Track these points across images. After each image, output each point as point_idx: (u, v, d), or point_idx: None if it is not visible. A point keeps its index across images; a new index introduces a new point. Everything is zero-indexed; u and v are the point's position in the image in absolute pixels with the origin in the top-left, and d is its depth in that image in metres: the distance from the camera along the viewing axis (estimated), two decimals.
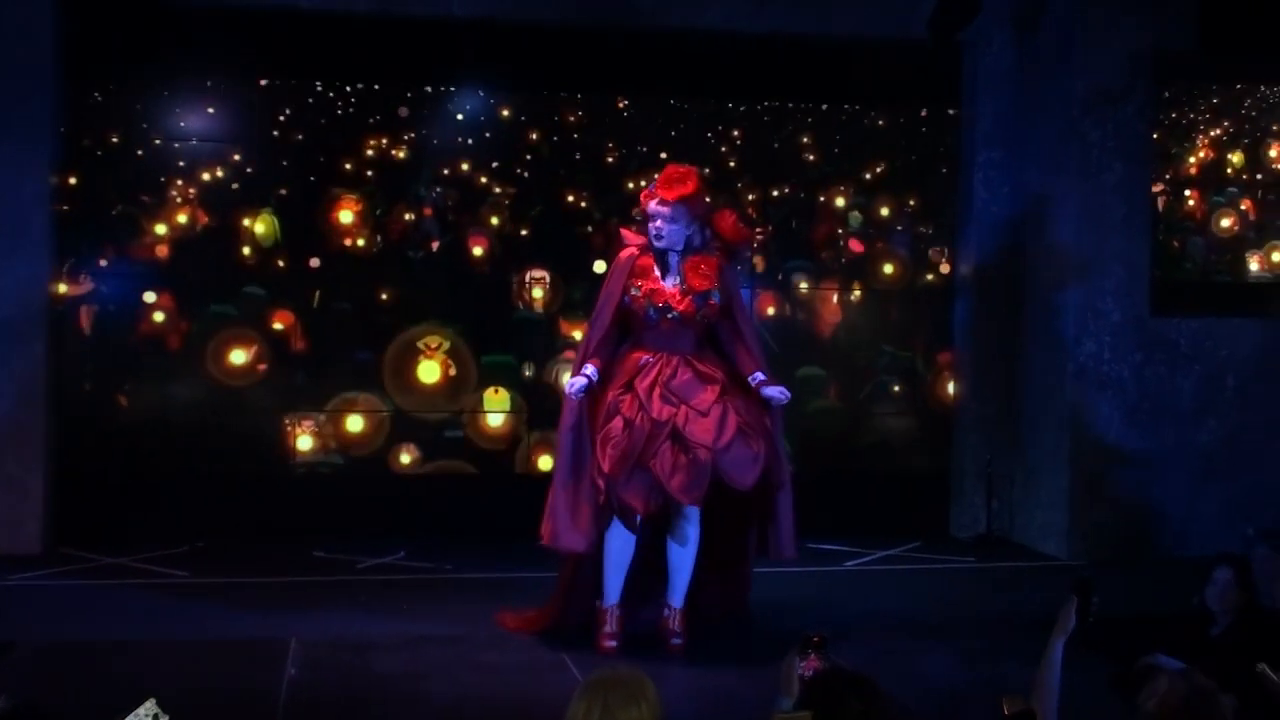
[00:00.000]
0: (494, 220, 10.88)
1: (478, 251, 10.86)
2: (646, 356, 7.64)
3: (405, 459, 10.77)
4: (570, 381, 7.64)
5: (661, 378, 7.54)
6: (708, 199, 7.84)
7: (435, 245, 10.84)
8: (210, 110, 10.60)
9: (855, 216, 11.36)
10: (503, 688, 6.91)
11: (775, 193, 11.27)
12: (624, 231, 8.15)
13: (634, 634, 7.66)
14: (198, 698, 6.21)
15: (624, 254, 7.84)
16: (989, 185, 11.16)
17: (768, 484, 7.54)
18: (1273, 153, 11.64)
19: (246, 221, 10.56)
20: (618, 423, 7.45)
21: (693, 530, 7.59)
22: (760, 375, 7.70)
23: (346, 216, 10.66)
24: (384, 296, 10.79)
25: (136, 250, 10.46)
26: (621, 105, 11.09)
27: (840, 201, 11.35)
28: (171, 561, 9.69)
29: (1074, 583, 4.82)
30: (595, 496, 7.44)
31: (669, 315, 7.63)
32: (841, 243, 11.38)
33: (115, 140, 10.44)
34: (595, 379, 7.60)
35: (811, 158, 11.31)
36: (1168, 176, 11.43)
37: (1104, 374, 10.57)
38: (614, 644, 7.52)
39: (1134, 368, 10.62)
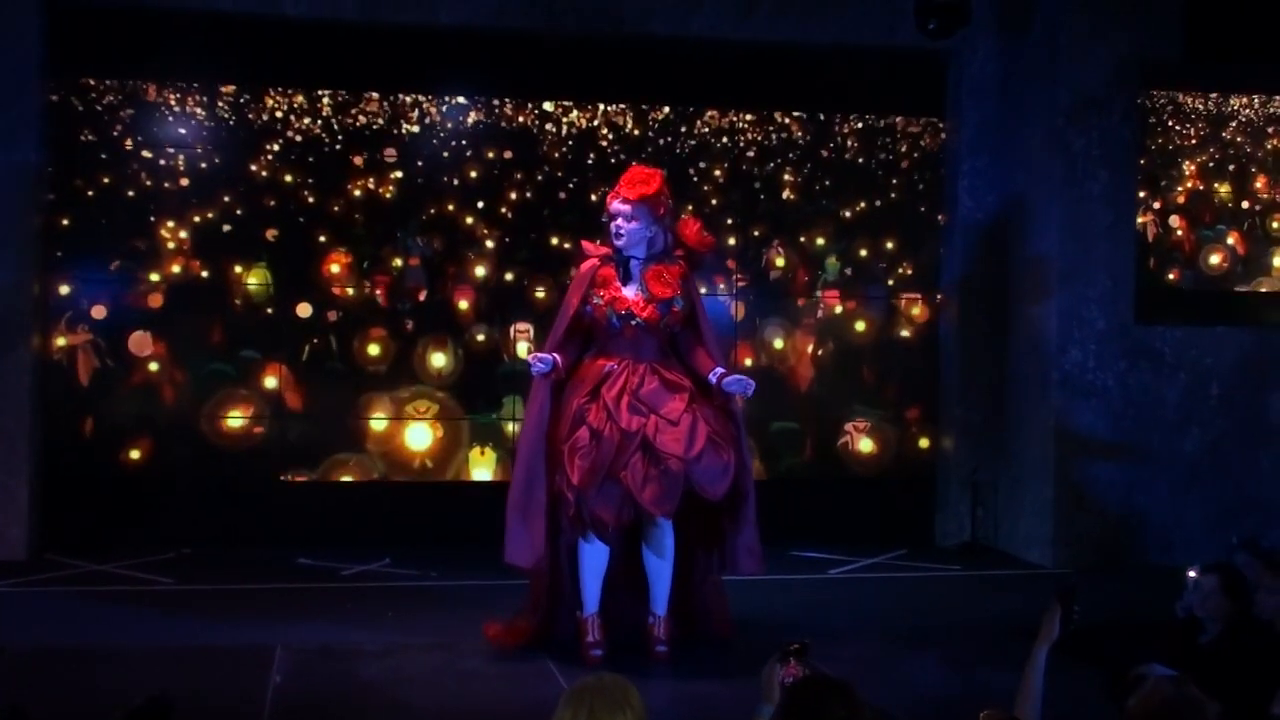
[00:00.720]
0: (479, 271, 10.87)
1: (463, 305, 10.87)
2: (611, 364, 7.60)
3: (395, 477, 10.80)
4: (534, 356, 7.55)
5: (629, 386, 7.49)
6: (670, 202, 7.79)
7: (422, 297, 10.84)
8: (195, 116, 10.59)
9: (833, 263, 11.36)
10: (487, 695, 6.91)
11: (758, 201, 11.27)
12: (585, 244, 8.09)
13: (618, 642, 7.63)
14: (183, 705, 6.18)
15: (585, 265, 7.83)
16: (973, 193, 11.18)
17: (735, 494, 7.52)
18: (1259, 184, 11.68)
19: (238, 269, 10.57)
20: (584, 433, 7.39)
21: (668, 540, 7.56)
22: (720, 369, 7.65)
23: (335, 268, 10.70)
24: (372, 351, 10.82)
25: (122, 257, 10.44)
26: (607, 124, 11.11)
27: (824, 207, 11.36)
28: (156, 569, 9.67)
29: (1057, 590, 4.84)
30: (564, 509, 7.40)
31: (632, 323, 7.60)
32: (823, 249, 11.38)
33: (100, 146, 10.42)
34: (559, 364, 7.52)
35: (795, 166, 11.32)
36: (1157, 206, 11.46)
37: (1088, 382, 10.60)
38: (599, 653, 7.50)
39: (1118, 376, 10.65)
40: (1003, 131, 11.12)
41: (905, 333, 11.51)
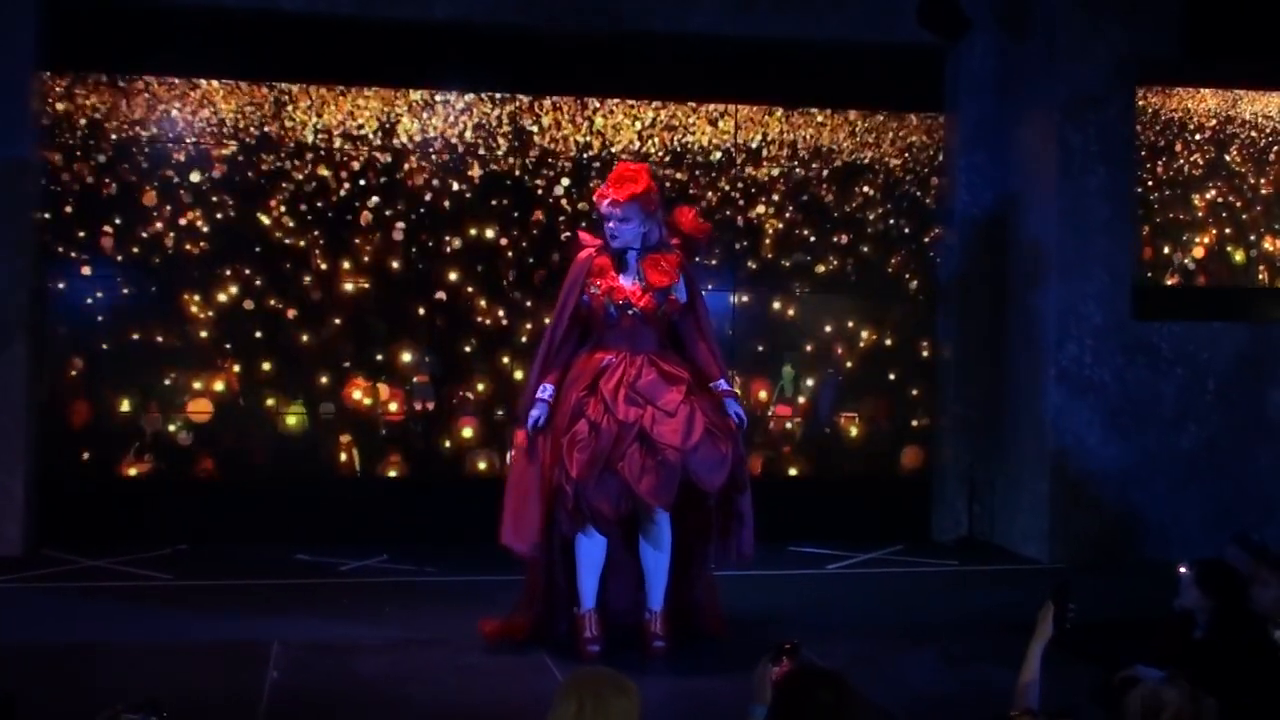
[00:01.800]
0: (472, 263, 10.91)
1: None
2: (609, 356, 7.62)
3: (392, 473, 10.80)
4: (528, 415, 7.62)
5: (626, 378, 7.51)
6: (658, 195, 7.80)
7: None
8: (193, 110, 10.58)
9: (788, 371, 11.35)
10: (485, 690, 6.91)
11: (757, 196, 11.27)
12: (581, 234, 8.15)
13: (613, 638, 7.65)
14: (180, 700, 6.18)
15: (581, 255, 7.83)
16: (971, 189, 11.18)
17: (733, 486, 7.52)
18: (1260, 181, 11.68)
19: (235, 265, 10.56)
20: (583, 426, 7.41)
21: (664, 533, 7.57)
22: (723, 384, 7.76)
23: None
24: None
25: (119, 253, 10.43)
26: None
27: (821, 204, 11.36)
28: (153, 564, 9.67)
29: (1052, 588, 4.83)
30: (563, 502, 7.41)
31: (629, 313, 7.62)
32: (822, 246, 11.37)
33: (96, 141, 10.40)
34: (551, 399, 7.60)
35: (794, 161, 11.31)
36: (1157, 221, 11.45)
37: (1085, 377, 10.60)
38: (597, 649, 7.50)
39: (1115, 371, 10.65)
40: (1000, 127, 11.12)
41: (902, 328, 11.49)
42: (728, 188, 11.22)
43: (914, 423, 11.49)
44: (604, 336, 7.72)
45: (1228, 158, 11.59)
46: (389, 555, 10.07)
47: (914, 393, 11.48)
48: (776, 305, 11.31)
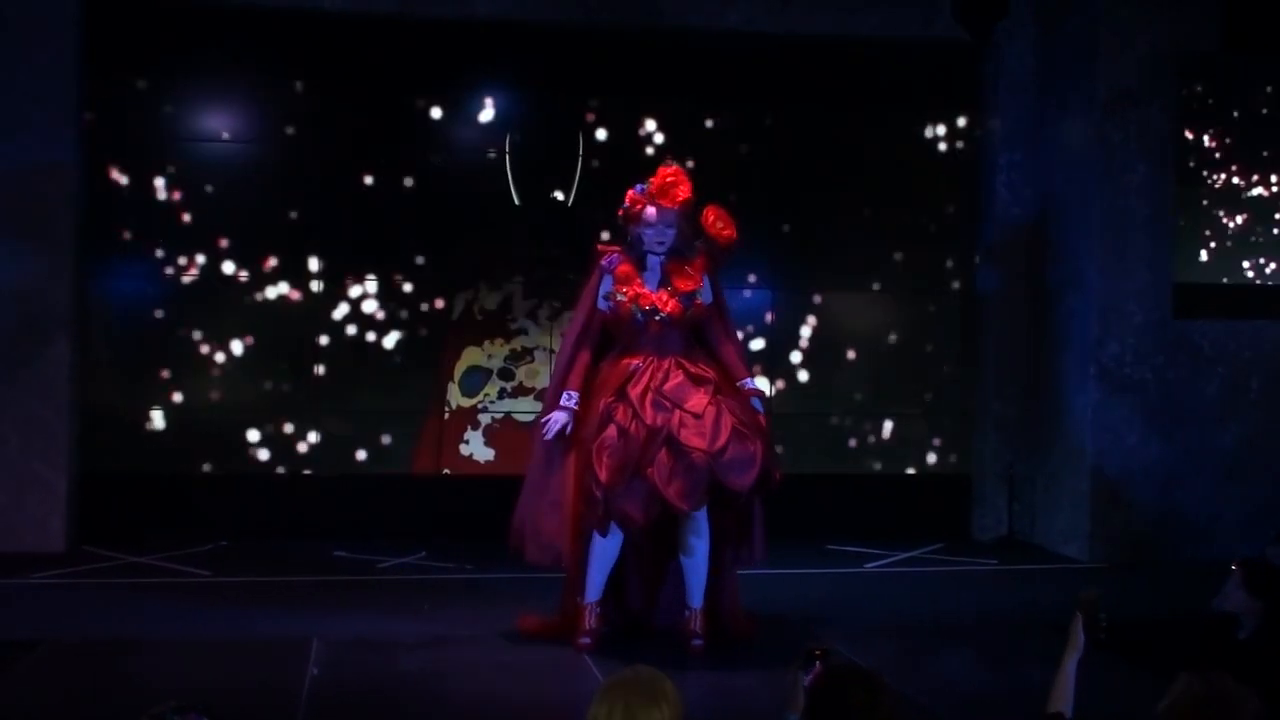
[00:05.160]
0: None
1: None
2: (636, 362, 7.60)
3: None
4: (547, 419, 7.62)
5: (653, 383, 7.49)
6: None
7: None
8: (231, 109, 10.62)
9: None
10: (524, 688, 6.92)
11: (794, 193, 11.24)
12: (600, 247, 8.12)
13: (655, 634, 7.70)
14: (220, 697, 6.22)
15: (602, 262, 7.81)
16: (1011, 187, 11.14)
17: (763, 484, 7.49)
18: None
19: (274, 262, 10.60)
20: (612, 431, 7.39)
21: (703, 532, 7.53)
22: (750, 383, 7.80)
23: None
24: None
25: (162, 248, 10.48)
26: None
27: (860, 202, 11.33)
28: (194, 560, 9.73)
29: (1079, 600, 4.73)
30: (593, 508, 7.38)
31: (657, 318, 7.61)
32: (862, 244, 11.34)
33: (139, 139, 10.45)
34: (574, 407, 7.58)
35: (834, 158, 11.28)
36: (1207, 233, 11.38)
37: (1126, 376, 10.54)
38: (588, 641, 7.47)
39: (1156, 370, 10.59)
40: (1040, 125, 11.07)
41: (942, 326, 11.45)
42: (764, 182, 11.17)
43: (954, 421, 11.45)
44: (631, 342, 7.71)
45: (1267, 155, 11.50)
46: (427, 552, 10.10)
47: (954, 391, 11.44)
48: (816, 303, 11.28)
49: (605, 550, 7.56)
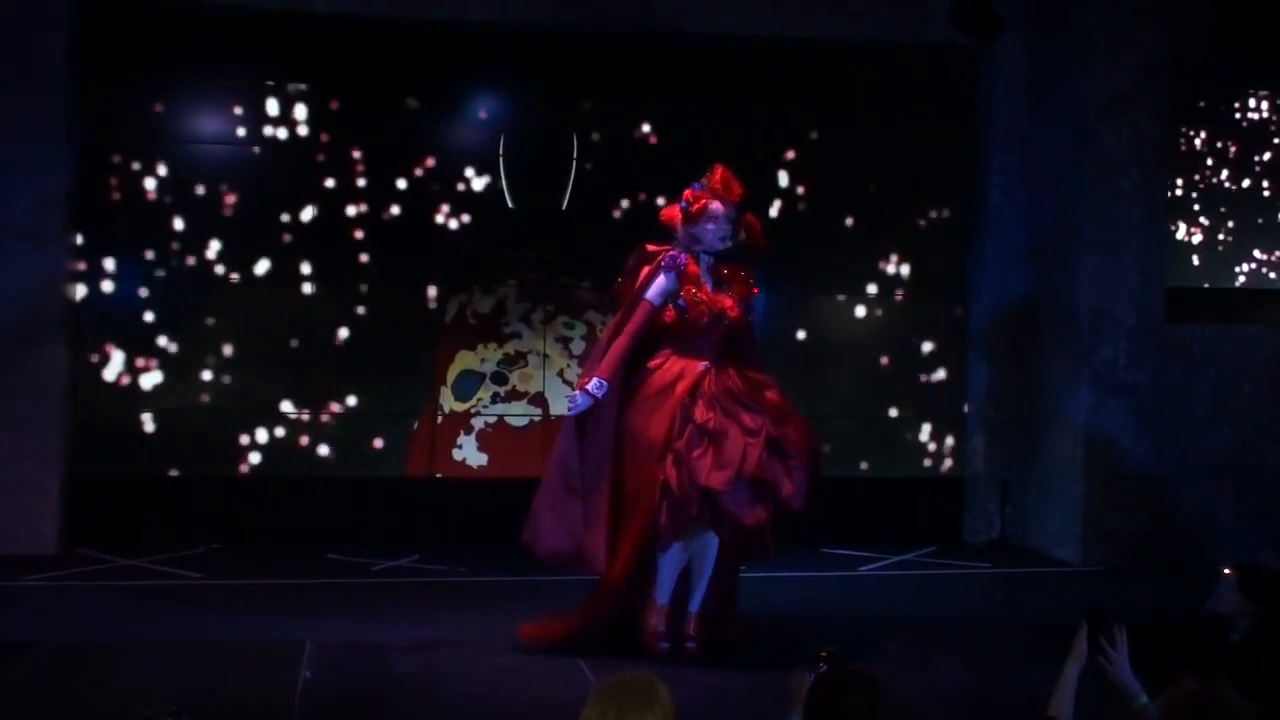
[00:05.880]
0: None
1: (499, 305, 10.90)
2: (704, 363, 7.51)
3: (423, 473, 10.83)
4: (573, 395, 7.53)
5: (728, 385, 7.43)
6: None
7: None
8: (224, 111, 10.61)
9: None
10: (517, 690, 6.91)
11: (789, 197, 11.24)
12: (649, 246, 7.80)
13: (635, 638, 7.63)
14: (212, 700, 6.22)
15: (664, 259, 7.61)
16: (1004, 190, 11.16)
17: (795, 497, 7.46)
18: None
19: (270, 264, 10.59)
20: (695, 434, 7.30)
21: (715, 540, 7.52)
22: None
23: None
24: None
25: (154, 250, 10.47)
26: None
27: (854, 205, 11.33)
28: (186, 563, 9.72)
29: (1086, 611, 4.72)
30: (685, 509, 7.26)
31: (724, 322, 7.58)
32: (853, 247, 11.34)
33: (130, 141, 10.44)
34: (600, 396, 7.44)
35: (827, 161, 11.28)
36: (1200, 238, 11.40)
37: (1119, 379, 10.55)
38: (667, 645, 7.43)
39: (1149, 373, 10.60)
40: (1034, 129, 11.09)
41: (934, 330, 11.46)
42: (757, 185, 11.15)
43: (946, 425, 11.46)
44: (688, 343, 7.58)
45: (1258, 160, 11.53)
46: (420, 555, 10.09)
47: (947, 395, 11.44)
48: (809, 306, 11.28)
49: (678, 555, 7.48)
